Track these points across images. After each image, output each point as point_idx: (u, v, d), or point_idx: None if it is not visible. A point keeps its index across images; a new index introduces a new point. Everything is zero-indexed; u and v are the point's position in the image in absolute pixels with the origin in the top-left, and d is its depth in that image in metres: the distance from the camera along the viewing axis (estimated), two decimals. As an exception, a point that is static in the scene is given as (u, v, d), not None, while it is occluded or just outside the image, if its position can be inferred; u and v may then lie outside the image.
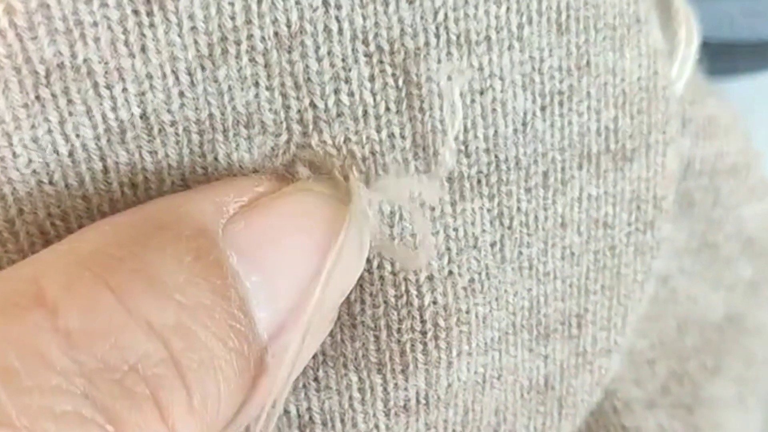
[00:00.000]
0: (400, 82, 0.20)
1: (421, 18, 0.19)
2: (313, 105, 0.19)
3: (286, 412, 0.22)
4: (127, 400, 0.15)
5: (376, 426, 0.22)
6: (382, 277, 0.21)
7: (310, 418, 0.22)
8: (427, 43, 0.20)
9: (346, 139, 0.19)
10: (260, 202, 0.18)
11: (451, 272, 0.21)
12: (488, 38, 0.20)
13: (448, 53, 0.20)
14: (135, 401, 0.15)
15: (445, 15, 0.20)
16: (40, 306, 0.15)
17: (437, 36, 0.20)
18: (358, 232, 0.19)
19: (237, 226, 0.17)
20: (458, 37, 0.20)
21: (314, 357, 0.21)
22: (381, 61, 0.19)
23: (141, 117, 0.18)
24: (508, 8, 0.20)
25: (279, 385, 0.19)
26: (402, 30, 0.19)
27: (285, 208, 0.18)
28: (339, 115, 0.19)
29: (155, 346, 0.16)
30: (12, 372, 0.15)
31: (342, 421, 0.22)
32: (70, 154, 0.18)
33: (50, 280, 0.16)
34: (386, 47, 0.19)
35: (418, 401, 0.22)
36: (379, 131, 0.20)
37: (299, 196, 0.19)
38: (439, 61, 0.20)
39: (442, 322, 0.21)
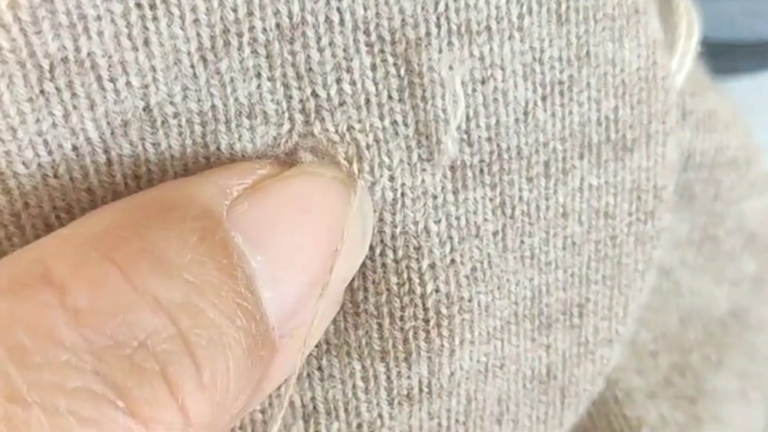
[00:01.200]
0: (402, 72, 0.20)
1: (422, 8, 0.20)
2: (315, 94, 0.19)
3: (291, 402, 0.22)
4: (137, 375, 0.15)
5: (380, 415, 0.22)
6: (384, 265, 0.21)
7: (314, 407, 0.22)
8: (428, 33, 0.20)
9: (350, 127, 0.19)
10: (264, 185, 0.18)
11: (453, 260, 0.21)
12: (489, 28, 0.20)
13: (449, 43, 0.20)
14: (145, 377, 0.16)
15: (446, 5, 0.20)
16: (48, 285, 0.16)
17: (438, 26, 0.20)
18: (361, 216, 0.19)
19: (241, 207, 0.18)
20: (459, 27, 0.20)
21: (318, 346, 0.21)
22: (382, 51, 0.19)
23: (144, 109, 0.18)
24: None
25: (289, 366, 0.20)
26: (403, 20, 0.19)
27: (288, 190, 0.18)
28: (341, 104, 0.19)
29: (163, 323, 0.16)
30: (22, 349, 0.15)
31: (346, 410, 0.22)
32: (75, 147, 0.18)
33: (57, 260, 0.16)
34: (387, 37, 0.19)
35: (421, 390, 0.22)
36: (382, 119, 0.20)
37: (302, 179, 0.19)
38: (440, 51, 0.20)
39: (444, 310, 0.21)
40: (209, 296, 0.17)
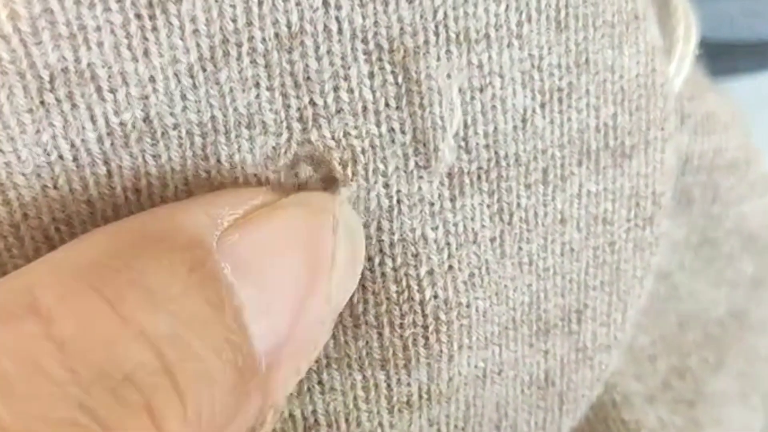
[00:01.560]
0: (400, 79, 0.20)
1: (421, 17, 0.20)
2: (312, 103, 0.19)
3: (291, 415, 0.22)
4: (122, 408, 0.15)
5: (380, 424, 0.22)
6: (383, 274, 0.21)
7: (315, 420, 0.22)
8: (426, 42, 0.20)
9: (346, 134, 0.20)
10: (255, 215, 0.18)
11: (451, 267, 0.21)
12: (487, 36, 0.20)
13: (448, 51, 0.20)
14: (130, 410, 0.15)
15: (445, 13, 0.20)
16: (35, 315, 0.16)
17: (437, 34, 0.20)
18: (351, 237, 0.19)
19: (231, 238, 0.18)
20: (457, 36, 0.20)
21: (317, 361, 0.21)
22: (380, 59, 0.20)
23: (144, 120, 0.19)
24: (507, 6, 0.20)
25: (273, 401, 0.19)
26: (401, 29, 0.20)
27: (279, 222, 0.18)
28: (338, 111, 0.19)
29: (150, 356, 0.16)
30: (7, 379, 0.15)
31: (347, 420, 0.22)
32: (75, 158, 0.18)
33: (45, 289, 0.16)
34: (386, 45, 0.20)
35: (420, 396, 0.22)
36: (378, 126, 0.20)
37: (294, 210, 0.19)
38: (438, 59, 0.20)
39: (443, 316, 0.21)
40: (196, 329, 0.16)
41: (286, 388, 0.20)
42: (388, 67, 0.20)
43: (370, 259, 0.21)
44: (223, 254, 0.17)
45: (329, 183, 0.20)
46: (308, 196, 0.19)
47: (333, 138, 0.19)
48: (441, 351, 0.21)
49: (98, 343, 0.16)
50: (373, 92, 0.20)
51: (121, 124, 0.18)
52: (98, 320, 0.16)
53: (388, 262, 0.21)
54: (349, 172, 0.20)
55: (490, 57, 0.21)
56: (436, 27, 0.20)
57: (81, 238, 0.18)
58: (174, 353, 0.16)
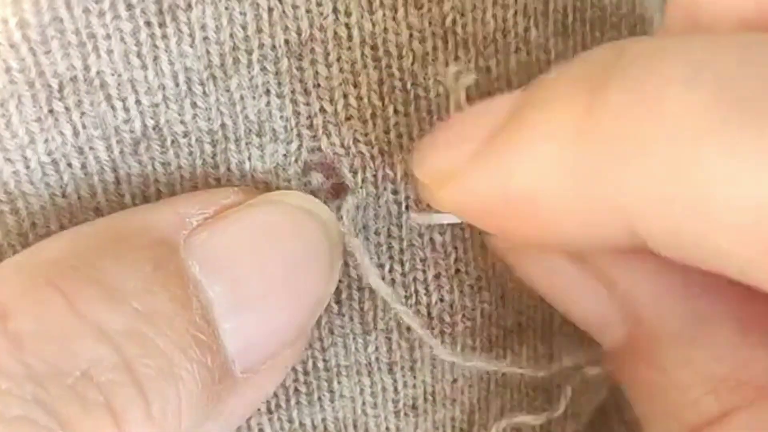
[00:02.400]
0: (408, 86, 0.20)
1: (430, 23, 0.20)
2: (323, 110, 0.19)
3: (302, 424, 0.22)
4: (80, 405, 0.15)
5: (387, 428, 0.22)
6: (393, 280, 0.21)
7: (325, 428, 0.22)
8: (435, 48, 0.20)
9: (355, 141, 0.19)
10: (225, 214, 0.18)
11: (458, 270, 0.21)
12: (495, 41, 0.20)
13: (456, 57, 0.20)
14: (87, 407, 0.15)
15: (453, 20, 0.20)
16: None
17: (445, 41, 0.20)
18: (328, 244, 0.19)
19: (200, 237, 0.17)
20: (465, 42, 0.20)
21: (328, 370, 0.21)
22: (389, 66, 0.19)
23: (154, 128, 0.18)
24: (515, 12, 0.20)
25: (258, 399, 0.19)
26: (410, 35, 0.19)
27: (249, 219, 0.18)
28: (348, 118, 0.19)
29: (108, 352, 0.16)
30: None
31: (355, 427, 0.22)
32: (83, 166, 0.18)
33: (4, 286, 0.16)
34: (394, 52, 0.19)
35: (425, 399, 0.22)
36: (387, 132, 0.20)
37: (266, 208, 0.18)
38: (446, 65, 0.20)
39: (448, 318, 0.21)
40: (159, 326, 0.16)
41: (266, 395, 0.19)
42: (396, 74, 0.20)
43: (381, 266, 0.21)
44: (192, 252, 0.17)
45: (339, 190, 0.20)
46: (281, 195, 0.19)
47: (343, 145, 0.19)
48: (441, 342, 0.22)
49: (54, 338, 0.15)
50: (382, 99, 0.20)
51: (131, 131, 0.18)
52: (55, 316, 0.16)
53: (397, 268, 0.21)
54: (359, 179, 0.20)
55: (497, 62, 0.21)
56: (445, 33, 0.20)
57: (48, 239, 0.17)
58: (134, 349, 0.16)
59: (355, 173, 0.20)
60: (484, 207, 0.17)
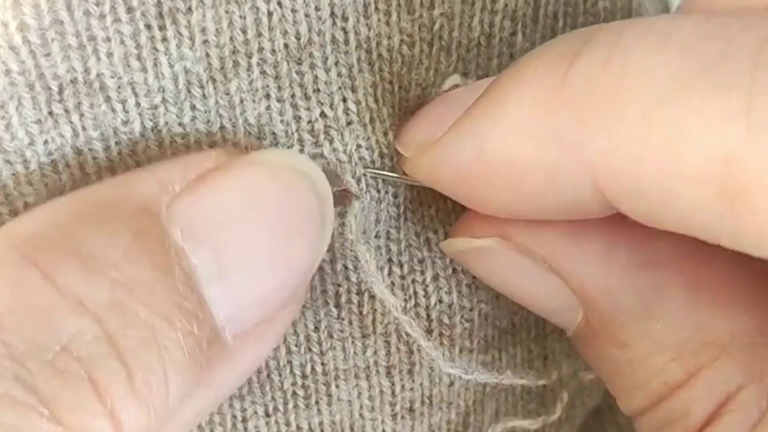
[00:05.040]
0: (396, 88, 0.20)
1: (419, 29, 0.20)
2: (323, 114, 0.19)
3: (299, 427, 0.22)
4: (61, 380, 0.15)
5: (384, 431, 0.22)
6: (392, 284, 0.21)
7: (322, 430, 0.22)
8: (421, 51, 0.20)
9: (357, 146, 0.20)
10: (208, 177, 0.17)
11: (455, 270, 0.21)
12: (479, 46, 0.21)
13: (438, 61, 0.20)
14: (69, 382, 0.15)
15: (441, 25, 0.20)
16: None
17: (431, 45, 0.20)
18: (318, 201, 0.18)
19: (182, 203, 0.17)
20: (449, 46, 0.20)
21: (326, 374, 0.21)
22: (381, 69, 0.20)
23: (152, 130, 0.18)
24: (503, 17, 0.21)
25: (250, 366, 0.19)
26: (401, 39, 0.20)
27: (235, 182, 0.18)
28: (349, 123, 0.19)
29: (88, 325, 0.15)
30: None
31: (352, 429, 0.22)
32: (82, 167, 0.18)
33: None
34: (386, 56, 0.20)
35: (422, 402, 0.22)
36: (386, 135, 0.20)
37: (250, 169, 0.18)
38: (427, 69, 0.20)
39: (446, 320, 0.22)
40: (141, 296, 0.16)
41: (258, 361, 0.19)
42: (387, 77, 0.20)
43: (380, 269, 0.21)
44: (174, 219, 0.17)
45: (343, 196, 0.20)
46: (265, 154, 0.19)
47: (345, 152, 0.19)
48: (443, 354, 0.22)
49: (32, 314, 0.15)
50: (377, 102, 0.20)
51: (130, 133, 0.18)
52: (32, 291, 0.15)
53: (397, 270, 0.21)
54: (363, 185, 0.20)
55: (478, 66, 0.21)
56: (432, 38, 0.20)
57: (26, 213, 0.17)
58: (116, 321, 0.16)
59: (359, 180, 0.20)
60: (460, 173, 0.18)
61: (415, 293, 0.21)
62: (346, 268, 0.20)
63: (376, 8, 0.19)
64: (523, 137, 0.16)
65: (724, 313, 0.18)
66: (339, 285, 0.21)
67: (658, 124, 0.15)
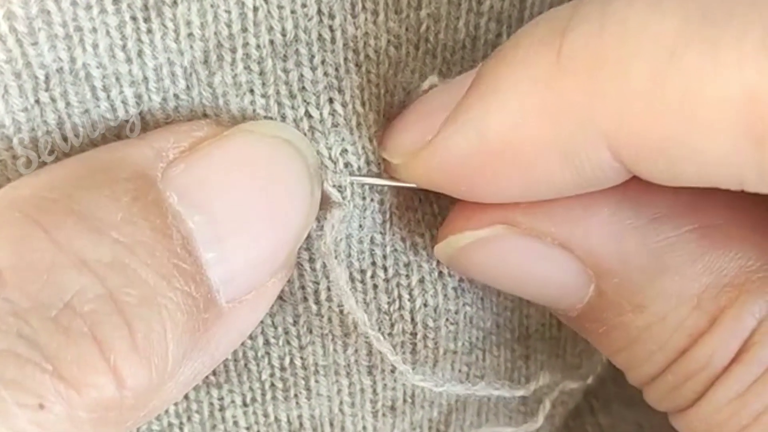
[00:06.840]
0: (382, 92, 0.20)
1: (406, 29, 0.20)
2: (308, 115, 0.19)
3: (277, 419, 0.22)
4: (63, 336, 0.15)
5: (364, 428, 0.22)
6: (375, 286, 0.21)
7: (301, 424, 0.22)
8: (407, 54, 0.20)
9: (344, 150, 0.20)
10: (201, 146, 0.18)
11: (441, 273, 0.21)
12: (464, 48, 0.21)
13: (423, 64, 0.20)
14: (71, 338, 0.15)
15: (428, 27, 0.20)
16: None
17: (417, 47, 0.20)
18: (308, 172, 0.19)
19: (177, 169, 0.18)
20: (434, 48, 0.20)
21: (305, 368, 0.22)
22: (368, 71, 0.20)
23: (137, 119, 0.19)
24: (489, 18, 0.21)
25: (242, 331, 0.19)
26: (388, 40, 0.20)
27: (227, 150, 0.18)
28: (335, 125, 0.19)
29: (90, 282, 0.16)
30: None
31: (331, 425, 0.22)
32: (67, 155, 0.19)
33: None
34: (374, 57, 0.20)
35: (404, 400, 0.22)
36: (371, 141, 0.20)
37: (242, 138, 0.18)
38: (413, 72, 0.20)
39: (431, 323, 0.22)
40: (141, 256, 0.16)
41: (249, 326, 0.19)
42: (374, 80, 0.20)
43: (362, 271, 0.21)
44: (169, 184, 0.17)
45: (323, 201, 0.20)
46: (255, 125, 0.19)
47: (330, 157, 0.19)
48: (427, 356, 0.22)
49: (35, 271, 0.15)
50: (363, 105, 0.20)
51: (116, 120, 0.19)
52: (35, 249, 0.16)
53: (381, 273, 0.21)
54: (348, 193, 0.20)
55: (462, 69, 0.21)
56: (418, 40, 0.20)
57: (25, 176, 0.17)
58: (117, 279, 0.16)
59: (341, 191, 0.20)
60: (460, 165, 0.18)
61: (400, 296, 0.21)
62: (325, 266, 0.20)
63: (364, 7, 0.19)
64: (530, 117, 0.16)
65: (736, 254, 0.18)
66: (317, 283, 0.21)
67: (672, 76, 0.15)
